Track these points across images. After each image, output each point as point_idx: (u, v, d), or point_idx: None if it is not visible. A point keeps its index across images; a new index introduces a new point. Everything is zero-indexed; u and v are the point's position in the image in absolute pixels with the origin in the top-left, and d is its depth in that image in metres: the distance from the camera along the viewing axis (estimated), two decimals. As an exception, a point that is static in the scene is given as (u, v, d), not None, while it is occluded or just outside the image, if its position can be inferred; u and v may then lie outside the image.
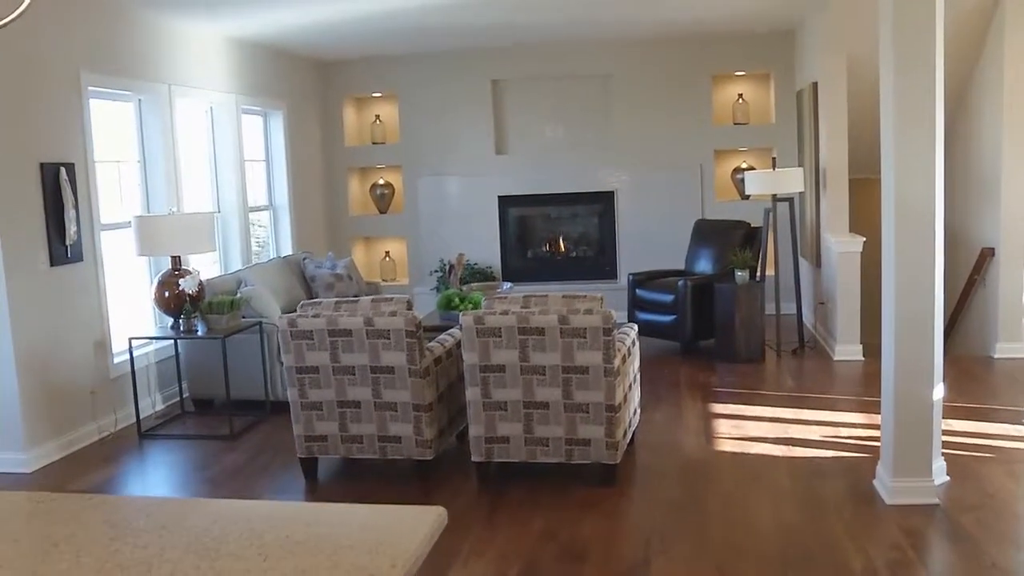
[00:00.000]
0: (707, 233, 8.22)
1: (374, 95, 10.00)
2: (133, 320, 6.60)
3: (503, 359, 4.58)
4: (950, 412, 5.32)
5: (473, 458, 4.77)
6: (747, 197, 8.88)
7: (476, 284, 7.57)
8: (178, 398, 6.71)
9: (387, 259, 10.18)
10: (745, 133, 9.34)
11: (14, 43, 5.42)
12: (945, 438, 4.65)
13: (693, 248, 8.28)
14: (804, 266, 8.47)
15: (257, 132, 8.77)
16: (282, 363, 5.01)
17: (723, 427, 5.67)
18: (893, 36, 4.14)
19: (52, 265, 5.66)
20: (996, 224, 7.13)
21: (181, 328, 6.08)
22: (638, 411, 5.36)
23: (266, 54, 8.60)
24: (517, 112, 9.74)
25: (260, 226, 8.88)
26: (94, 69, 6.11)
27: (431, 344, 5.04)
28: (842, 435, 5.41)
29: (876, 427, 5.17)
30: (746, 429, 5.60)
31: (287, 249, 8.85)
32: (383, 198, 10.10)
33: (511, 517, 4.39)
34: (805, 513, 4.28)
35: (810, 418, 5.77)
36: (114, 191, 6.66)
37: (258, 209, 8.65)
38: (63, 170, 5.71)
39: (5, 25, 2.05)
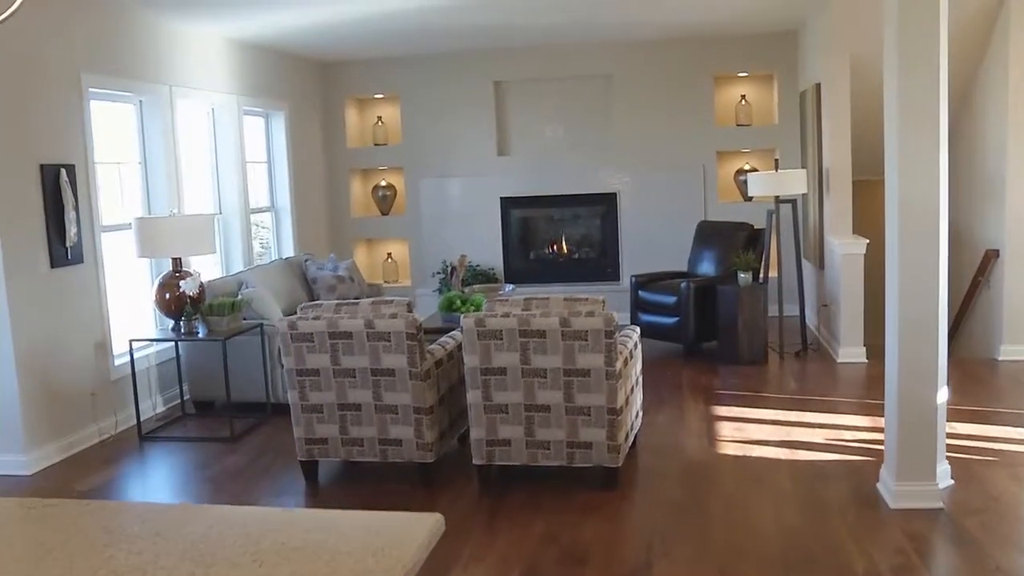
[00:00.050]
0: (710, 235, 8.20)
1: (376, 96, 9.98)
2: (134, 322, 6.59)
3: (504, 362, 4.56)
4: (954, 415, 5.29)
5: (474, 461, 4.75)
6: (750, 199, 8.85)
7: (478, 286, 7.55)
8: (179, 400, 6.69)
9: (389, 261, 10.16)
10: (748, 134, 9.32)
11: (14, 44, 5.41)
12: (949, 441, 4.63)
13: (696, 250, 8.25)
14: (807, 268, 8.44)
15: (259, 133, 8.75)
16: (283, 365, 4.98)
17: (726, 430, 5.64)
18: (897, 36, 4.11)
19: (52, 267, 5.65)
20: (1000, 225, 7.09)
21: (182, 330, 6.06)
22: (640, 414, 5.33)
23: (268, 55, 8.59)
24: (519, 113, 9.72)
25: (263, 227, 8.87)
26: (95, 70, 6.09)
27: (432, 346, 5.01)
28: (845, 438, 5.38)
29: (880, 430, 5.13)
30: (749, 432, 5.57)
31: (289, 251, 8.83)
32: (385, 199, 10.09)
33: (512, 520, 4.37)
34: (808, 516, 4.25)
35: (813, 421, 5.74)
36: (115, 193, 6.64)
37: (260, 211, 8.64)
38: (63, 171, 5.69)
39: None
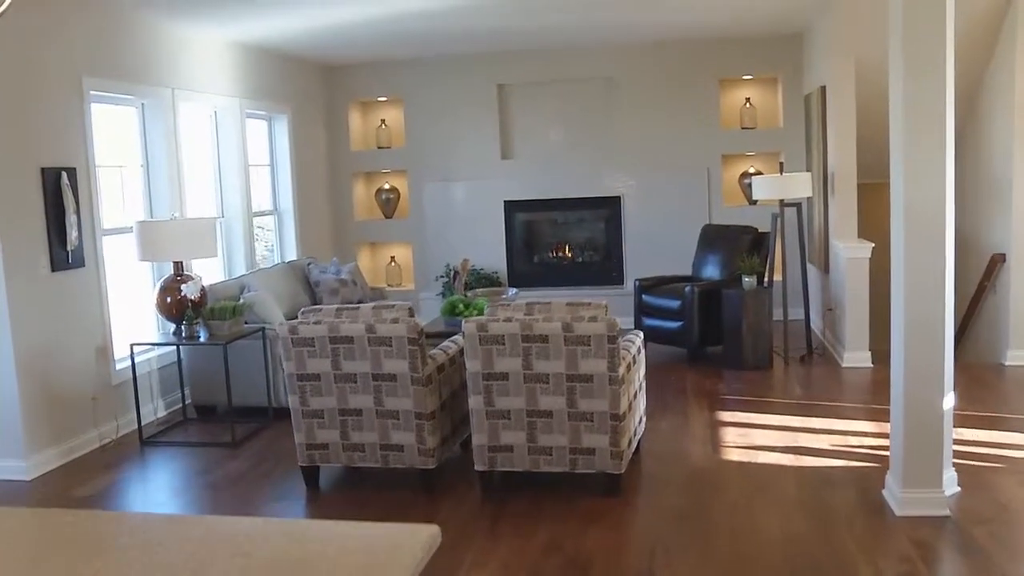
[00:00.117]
0: (714, 238, 8.15)
1: (379, 99, 9.96)
2: (136, 326, 6.56)
3: (506, 367, 4.52)
4: (961, 421, 5.23)
5: (476, 467, 4.71)
6: (755, 202, 8.81)
7: (481, 290, 7.52)
8: (180, 405, 6.66)
9: (393, 264, 10.13)
10: (752, 137, 9.27)
11: (15, 47, 5.39)
12: (956, 447, 4.57)
13: (700, 254, 8.21)
14: (812, 272, 8.39)
15: (262, 136, 8.73)
16: (284, 369, 4.95)
17: (730, 435, 5.59)
18: (902, 38, 4.07)
19: (53, 270, 5.63)
20: (1007, 229, 7.04)
21: (183, 334, 6.04)
22: (644, 419, 5.29)
23: (270, 58, 8.57)
24: (523, 117, 9.69)
25: (267, 230, 8.85)
26: (96, 73, 6.07)
27: (434, 351, 4.98)
28: (851, 444, 5.33)
29: (885, 436, 5.09)
30: (753, 437, 5.53)
31: (292, 254, 8.81)
32: (388, 203, 10.06)
33: (514, 527, 4.33)
34: (813, 524, 4.21)
35: (818, 426, 5.69)
36: (117, 196, 6.62)
37: (262, 214, 8.61)
38: (64, 175, 5.67)
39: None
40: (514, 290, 7.55)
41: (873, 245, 7.08)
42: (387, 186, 10.08)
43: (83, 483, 5.29)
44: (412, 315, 4.72)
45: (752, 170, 9.31)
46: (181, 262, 6.16)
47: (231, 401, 6.00)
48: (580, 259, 9.78)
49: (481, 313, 5.99)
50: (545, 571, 3.86)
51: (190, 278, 6.06)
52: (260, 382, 6.33)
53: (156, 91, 6.73)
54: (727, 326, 7.31)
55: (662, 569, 3.83)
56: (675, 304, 7.57)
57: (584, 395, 4.47)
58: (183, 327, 6.02)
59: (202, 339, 6.02)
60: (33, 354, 5.48)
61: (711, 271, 7.98)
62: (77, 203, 5.77)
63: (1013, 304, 7.00)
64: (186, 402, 6.65)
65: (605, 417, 4.47)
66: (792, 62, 9.02)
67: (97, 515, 2.02)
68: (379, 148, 9.99)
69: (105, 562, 1.73)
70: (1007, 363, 7.01)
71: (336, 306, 4.88)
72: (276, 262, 8.44)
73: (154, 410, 6.55)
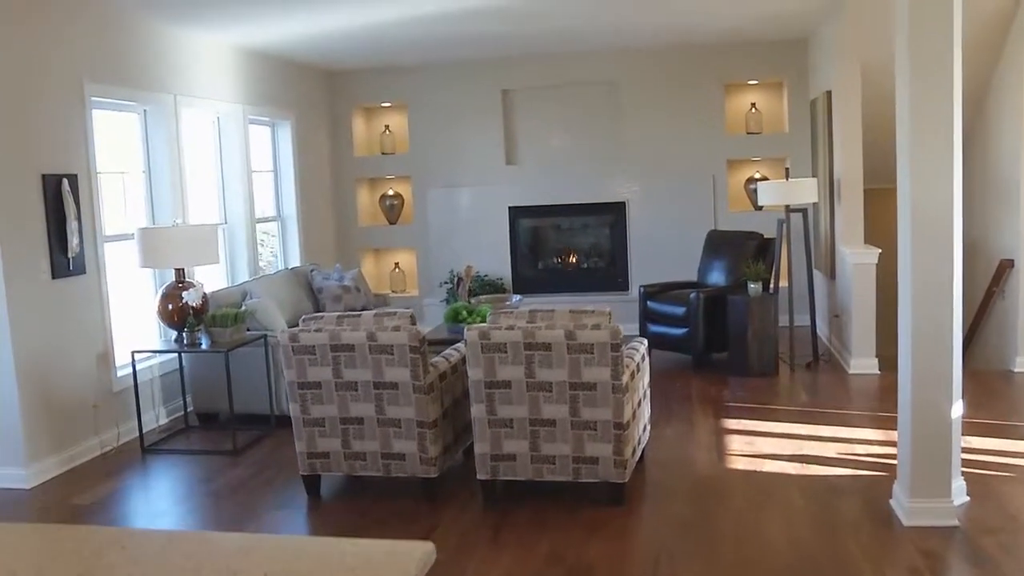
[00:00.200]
0: (720, 244, 8.10)
1: (383, 105, 9.93)
2: (138, 333, 6.53)
3: (509, 375, 4.47)
4: (969, 428, 5.17)
5: (478, 476, 4.66)
6: (760, 208, 8.75)
7: (485, 296, 7.47)
8: (182, 412, 6.63)
9: (397, 270, 10.09)
10: (758, 142, 9.23)
11: (16, 53, 5.37)
12: (964, 456, 4.51)
13: (705, 260, 8.16)
14: (818, 278, 8.33)
15: (265, 142, 8.71)
16: (285, 377, 4.91)
17: (735, 443, 5.54)
18: (909, 42, 4.02)
19: (54, 277, 5.60)
20: (1016, 234, 6.98)
21: (184, 341, 6.00)
22: (648, 427, 5.24)
23: (274, 64, 8.55)
24: (527, 122, 9.65)
25: (272, 236, 8.82)
26: (97, 79, 6.05)
27: (436, 359, 4.94)
28: (858, 452, 5.27)
29: (893, 444, 5.02)
30: (759, 446, 5.47)
31: (295, 260, 8.78)
32: (392, 209, 10.03)
33: (517, 537, 4.28)
34: (819, 533, 4.15)
35: (825, 434, 5.63)
36: (119, 202, 6.60)
37: (266, 220, 8.59)
38: (65, 181, 5.65)
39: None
40: (518, 297, 7.50)
41: (880, 251, 7.02)
42: (391, 192, 10.05)
43: (84, 491, 5.26)
44: (414, 323, 4.68)
45: (757, 175, 9.26)
46: (183, 269, 6.13)
47: (233, 409, 5.97)
48: (585, 265, 9.73)
49: (484, 320, 5.94)
50: (547, 582, 3.81)
51: (191, 285, 6.03)
52: (262, 389, 6.30)
53: (158, 97, 6.71)
54: (732, 333, 7.26)
55: (666, 580, 3.78)
56: (680, 310, 7.52)
57: (587, 403, 4.42)
58: (184, 334, 5.99)
59: (204, 346, 5.99)
60: (34, 361, 5.45)
61: (716, 277, 7.93)
62: (78, 210, 5.75)
63: (1022, 310, 6.93)
64: (188, 409, 6.62)
65: (608, 426, 4.42)
66: (797, 67, 8.98)
67: (87, 530, 1.98)
68: (383, 154, 9.96)
69: (91, 579, 1.69)
70: (1016, 370, 6.94)
71: (337, 314, 4.84)
72: (280, 268, 8.41)
73: (156, 417, 6.52)
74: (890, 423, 5.34)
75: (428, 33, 7.63)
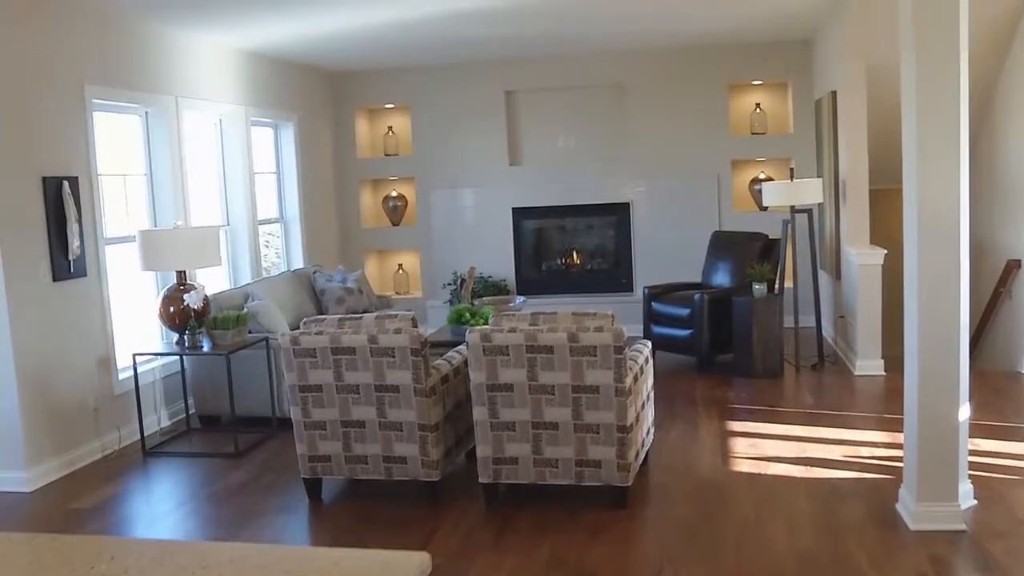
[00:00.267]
0: (724, 245, 8.06)
1: (387, 106, 9.90)
2: (140, 335, 6.51)
3: (511, 378, 4.43)
4: (976, 431, 5.11)
5: (480, 479, 4.62)
6: (765, 208, 8.69)
7: (488, 298, 7.44)
8: (184, 415, 6.60)
9: (400, 272, 10.07)
10: (763, 143, 9.18)
11: (16, 55, 5.35)
12: (971, 459, 4.45)
13: (710, 260, 8.12)
14: (824, 279, 8.28)
15: (267, 144, 8.69)
16: (286, 380, 4.88)
17: (740, 446, 5.49)
18: (915, 41, 3.98)
19: (55, 280, 5.58)
20: (1023, 234, 6.92)
21: (186, 344, 5.98)
22: (651, 430, 5.19)
23: (276, 65, 8.53)
24: (531, 123, 9.62)
25: (276, 237, 8.80)
26: (98, 81, 6.03)
27: (438, 362, 4.90)
28: (863, 455, 5.23)
29: (899, 446, 4.98)
30: (763, 448, 5.43)
31: (298, 262, 8.75)
32: (396, 210, 10.00)
33: (519, 541, 4.25)
34: (824, 538, 4.11)
35: (830, 437, 5.58)
36: (120, 205, 6.58)
37: (269, 222, 8.56)
38: (66, 184, 5.62)
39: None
40: (521, 298, 7.47)
41: (885, 251, 6.97)
42: (394, 193, 10.02)
43: (84, 495, 5.23)
44: (415, 325, 4.65)
45: (762, 176, 9.21)
46: (184, 271, 6.11)
47: (234, 411, 5.94)
48: (589, 266, 9.69)
49: (487, 322, 5.91)
50: (550, 587, 3.78)
51: (193, 287, 6.00)
52: (264, 392, 6.27)
53: (159, 99, 6.69)
54: (737, 334, 7.21)
55: (670, 585, 3.74)
56: (684, 312, 7.47)
57: (590, 406, 4.38)
58: (186, 337, 5.96)
59: (205, 349, 5.97)
60: (34, 364, 5.43)
61: (721, 278, 7.88)
62: (79, 212, 5.73)
63: (1029, 311, 6.88)
64: (190, 412, 6.59)
65: (612, 429, 4.38)
66: (802, 67, 8.93)
67: (79, 540, 1.94)
68: (386, 155, 9.93)
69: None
70: (1023, 371, 6.88)
71: (338, 316, 4.81)
72: (283, 270, 8.38)
73: (158, 420, 6.50)
74: (896, 425, 5.29)
75: (429, 34, 7.60)
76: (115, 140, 6.49)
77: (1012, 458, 5.03)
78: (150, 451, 5.98)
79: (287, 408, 6.16)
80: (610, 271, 9.58)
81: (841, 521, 4.28)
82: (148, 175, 6.77)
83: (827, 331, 8.24)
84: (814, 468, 5.02)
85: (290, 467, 5.37)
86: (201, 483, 5.40)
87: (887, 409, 6.07)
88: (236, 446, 5.84)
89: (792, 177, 7.87)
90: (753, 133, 9.22)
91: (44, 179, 5.50)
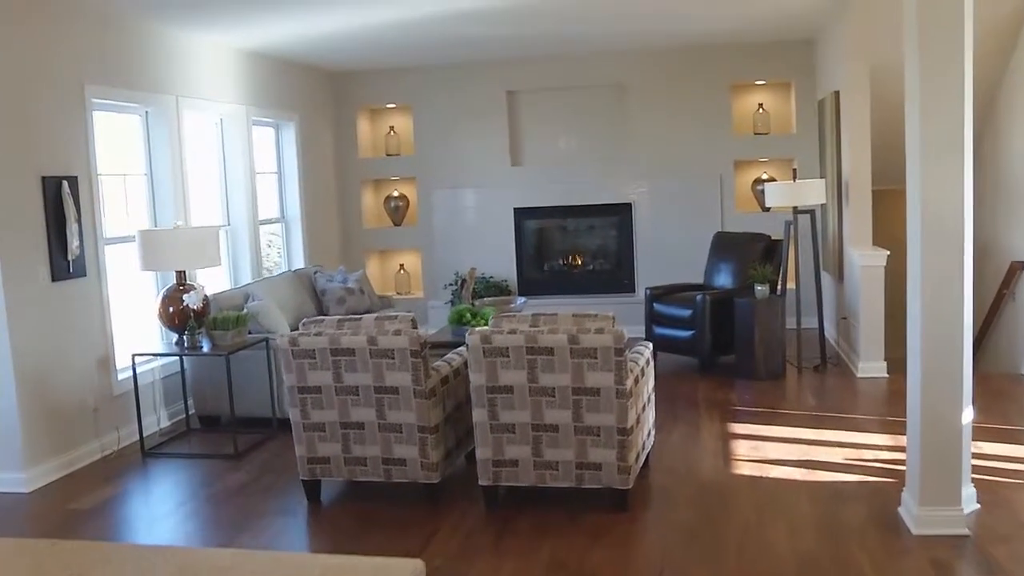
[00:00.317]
0: (726, 246, 8.03)
1: (388, 106, 9.88)
2: (141, 336, 6.49)
3: (511, 380, 4.41)
4: (979, 434, 5.08)
5: (480, 482, 4.60)
6: (767, 209, 8.66)
7: (489, 299, 7.42)
8: (184, 415, 6.58)
9: (401, 272, 10.04)
10: (765, 143, 9.15)
11: (16, 54, 5.34)
12: (975, 462, 4.43)
13: (712, 261, 8.08)
14: (826, 280, 8.25)
15: (269, 144, 8.67)
16: (285, 381, 4.86)
17: (741, 448, 5.46)
18: (919, 42, 3.95)
19: (54, 280, 5.56)
20: (1026, 236, 6.89)
21: (185, 344, 5.96)
22: (652, 432, 5.17)
23: (278, 65, 8.51)
24: (533, 123, 9.59)
25: (277, 236, 8.77)
26: (98, 81, 6.01)
27: (438, 363, 4.87)
28: (866, 458, 5.19)
29: (901, 449, 4.96)
30: (765, 450, 5.39)
31: (299, 262, 8.73)
32: (397, 211, 9.98)
33: (519, 544, 4.22)
34: (826, 541, 4.08)
35: (832, 439, 5.54)
36: (120, 204, 6.56)
37: (269, 222, 8.54)
38: (65, 183, 5.60)
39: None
40: (522, 299, 7.44)
41: (888, 253, 6.93)
42: (396, 193, 10.00)
43: (83, 496, 5.21)
44: (415, 326, 4.62)
45: (765, 176, 9.18)
46: (184, 271, 6.09)
47: (234, 412, 5.92)
48: (591, 267, 9.66)
49: (488, 323, 5.88)
50: (549, 591, 3.75)
51: (192, 288, 5.98)
52: (264, 393, 6.25)
53: (160, 99, 6.67)
54: (739, 335, 7.18)
55: (670, 589, 3.71)
56: (686, 313, 7.44)
57: (591, 409, 4.35)
58: (185, 337, 5.94)
59: (205, 349, 5.94)
60: (33, 364, 5.41)
61: (723, 279, 7.85)
62: (78, 212, 5.71)
63: (1033, 313, 6.84)
64: (189, 413, 6.57)
65: (612, 431, 4.36)
66: (805, 67, 8.90)
67: (75, 545, 1.93)
68: (388, 155, 9.91)
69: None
70: (1027, 373, 6.86)
71: (338, 317, 4.79)
72: (284, 270, 8.36)
73: (157, 421, 6.48)
74: (899, 427, 5.27)
75: (429, 34, 7.57)
76: (115, 140, 6.47)
77: (1016, 462, 5.00)
78: (149, 452, 5.96)
79: (287, 409, 6.13)
80: (612, 272, 9.55)
81: (843, 525, 4.25)
82: (148, 175, 6.75)
83: (829, 333, 8.21)
84: (816, 471, 4.99)
85: (290, 468, 5.35)
86: (200, 484, 5.38)
87: (890, 411, 6.04)
88: (235, 447, 5.82)
89: (795, 178, 7.84)
90: (756, 133, 9.19)
91: (43, 179, 5.48)
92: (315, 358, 4.63)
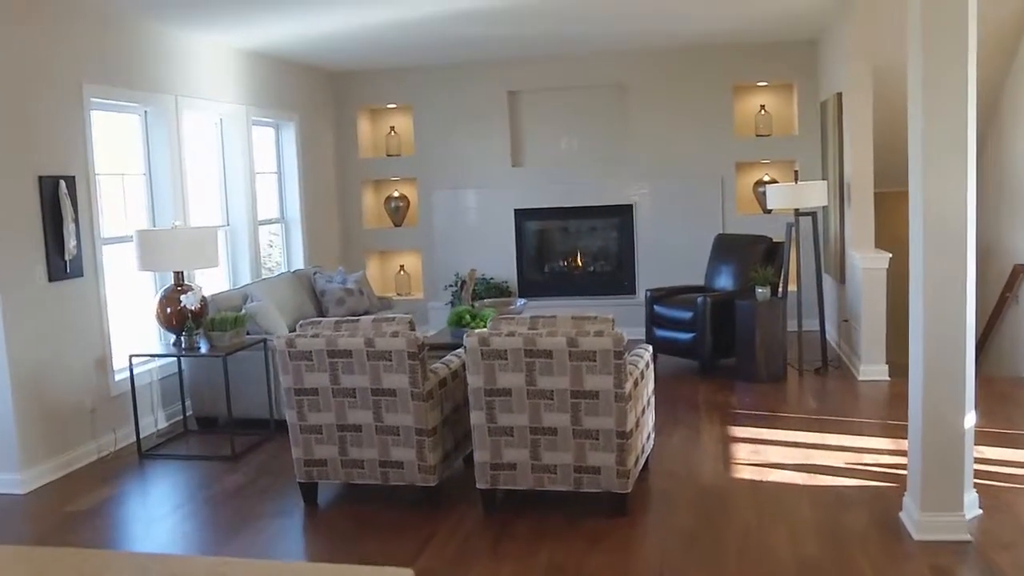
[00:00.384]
0: (728, 248, 7.99)
1: (389, 106, 9.85)
2: (138, 336, 6.46)
3: (509, 382, 4.37)
4: (981, 438, 5.04)
5: (478, 485, 4.56)
6: (769, 211, 8.63)
7: (489, 300, 7.39)
8: (181, 416, 6.55)
9: (402, 273, 10.01)
10: (767, 145, 9.11)
11: (14, 53, 5.31)
12: (977, 467, 4.39)
13: (713, 263, 8.05)
14: (828, 282, 8.21)
15: (268, 144, 8.64)
16: (282, 383, 4.83)
17: (742, 452, 5.42)
18: (922, 43, 3.91)
19: (50, 280, 5.53)
20: (1029, 239, 6.85)
21: (183, 345, 5.92)
22: (652, 435, 5.13)
23: (278, 65, 8.48)
24: (534, 124, 9.56)
25: (277, 236, 8.74)
26: (96, 80, 5.98)
27: (436, 365, 4.84)
28: (867, 462, 5.16)
29: (903, 453, 4.92)
30: (766, 454, 5.36)
31: (299, 263, 8.70)
32: (398, 211, 9.95)
33: (517, 548, 4.18)
34: (827, 547, 4.04)
35: (833, 443, 5.51)
36: (118, 204, 6.53)
37: (269, 222, 8.51)
38: (62, 183, 5.57)
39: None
40: (522, 300, 7.41)
41: (890, 255, 6.90)
42: (396, 194, 9.97)
43: (79, 497, 5.18)
44: (413, 328, 4.59)
45: (767, 178, 9.14)
46: (181, 272, 6.05)
47: (231, 413, 5.89)
48: (591, 268, 9.63)
49: (487, 324, 5.85)
50: (547, 596, 3.71)
51: (190, 288, 5.95)
52: (262, 394, 6.22)
53: (159, 98, 6.64)
54: (740, 338, 7.14)
55: (669, 595, 3.67)
56: (687, 315, 7.41)
57: (589, 412, 4.32)
58: (183, 338, 5.91)
59: (202, 350, 5.91)
60: (29, 365, 5.38)
61: (724, 281, 7.82)
62: (76, 212, 5.68)
63: (1035, 316, 6.81)
64: (187, 414, 6.53)
65: (611, 435, 4.32)
66: (808, 68, 8.86)
67: (68, 552, 1.89)
68: (388, 156, 9.88)
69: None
70: (1029, 377, 6.82)
71: (335, 319, 4.76)
72: (283, 271, 8.33)
73: (155, 422, 6.45)
74: (900, 431, 5.23)
75: (429, 34, 7.54)
76: (114, 139, 6.44)
77: (1019, 467, 4.96)
78: (146, 453, 5.93)
79: (285, 410, 6.11)
80: (613, 273, 9.52)
81: (844, 529, 4.22)
82: (147, 175, 6.72)
83: (831, 335, 8.17)
84: (817, 475, 4.95)
85: (287, 470, 5.31)
86: (198, 486, 5.35)
87: (891, 415, 6.01)
88: (233, 449, 5.78)
89: (797, 179, 7.80)
90: (758, 135, 9.15)
91: (40, 178, 5.45)
92: (312, 360, 4.60)
